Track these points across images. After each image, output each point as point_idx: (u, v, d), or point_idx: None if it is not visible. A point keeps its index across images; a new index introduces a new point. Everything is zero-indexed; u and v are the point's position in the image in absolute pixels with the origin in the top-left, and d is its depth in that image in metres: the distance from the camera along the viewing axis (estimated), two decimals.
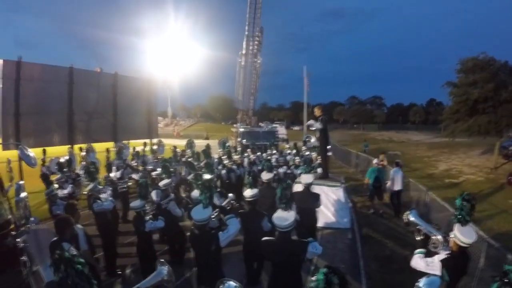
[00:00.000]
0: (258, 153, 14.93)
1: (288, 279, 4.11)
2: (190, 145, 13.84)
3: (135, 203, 6.04)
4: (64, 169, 9.78)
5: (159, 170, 9.09)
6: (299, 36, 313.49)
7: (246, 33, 29.13)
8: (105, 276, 6.43)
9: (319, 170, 10.68)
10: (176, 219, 7.23)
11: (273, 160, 13.97)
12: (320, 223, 8.06)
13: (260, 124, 34.11)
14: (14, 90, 12.95)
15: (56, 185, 8.29)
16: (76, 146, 14.67)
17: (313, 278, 2.29)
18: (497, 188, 16.51)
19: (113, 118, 17.60)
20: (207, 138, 46.53)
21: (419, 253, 3.96)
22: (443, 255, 3.74)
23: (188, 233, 4.83)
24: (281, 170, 13.19)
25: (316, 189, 7.99)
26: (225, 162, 11.76)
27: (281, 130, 39.13)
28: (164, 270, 2.87)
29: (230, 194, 6.77)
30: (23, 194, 4.48)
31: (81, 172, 10.61)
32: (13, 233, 3.68)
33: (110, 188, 7.93)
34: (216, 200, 6.41)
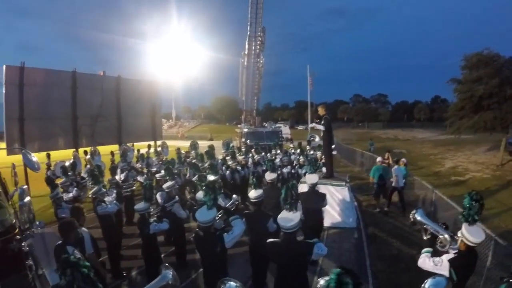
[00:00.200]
0: (262, 154, 14.88)
1: (294, 280, 4.08)
2: (194, 146, 13.83)
3: (140, 206, 6.04)
4: (69, 173, 9.81)
5: (163, 172, 9.07)
6: (302, 36, 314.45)
7: (248, 33, 29.10)
8: (110, 279, 6.43)
9: (324, 169, 10.64)
10: (181, 221, 7.23)
11: (277, 160, 13.95)
12: (325, 223, 8.02)
13: (264, 124, 34.11)
14: (18, 96, 12.99)
15: (61, 189, 8.33)
16: (81, 150, 14.70)
17: (325, 278, 2.26)
18: (504, 185, 16.39)
19: (117, 121, 17.64)
20: (211, 139, 46.53)
21: (426, 252, 3.90)
22: (451, 254, 3.70)
23: (193, 235, 4.80)
24: (285, 170, 13.17)
25: (321, 188, 7.95)
26: (229, 163, 11.73)
27: (285, 130, 39.16)
28: (168, 274, 2.85)
29: (234, 196, 6.76)
30: (27, 199, 4.47)
31: (86, 175, 10.63)
32: (18, 237, 3.67)
33: (115, 191, 7.94)
34: (220, 201, 6.40)
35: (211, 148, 12.23)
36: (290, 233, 4.05)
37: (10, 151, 10.07)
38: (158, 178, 9.76)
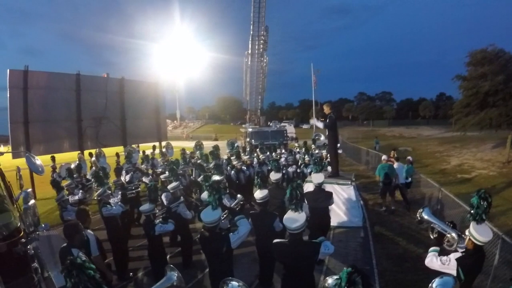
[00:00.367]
0: (267, 153, 14.85)
1: (301, 280, 4.06)
2: (198, 147, 13.83)
3: (145, 207, 6.04)
4: (74, 175, 9.84)
5: (167, 173, 9.08)
6: (305, 34, 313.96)
7: (251, 32, 29.07)
8: (116, 280, 6.44)
9: (329, 168, 10.61)
10: (186, 222, 7.23)
11: (282, 159, 13.92)
12: (332, 222, 7.97)
13: (269, 123, 34.10)
14: (22, 99, 13.05)
15: (66, 191, 8.35)
16: (86, 152, 14.76)
17: (334, 277, 2.24)
18: (510, 183, 16.22)
19: (122, 123, 17.65)
20: (216, 139, 46.59)
21: (433, 251, 3.86)
22: (458, 253, 3.66)
23: (198, 235, 4.79)
24: (290, 170, 13.14)
25: (327, 187, 7.94)
26: (234, 163, 11.72)
27: (290, 129, 39.12)
28: (173, 275, 2.84)
29: (239, 195, 6.75)
30: (31, 202, 4.48)
31: (91, 177, 10.66)
32: (23, 240, 3.68)
33: (120, 193, 7.95)
34: (225, 202, 6.40)
35: (216, 148, 12.24)
36: (296, 234, 4.02)
37: (15, 154, 10.11)
38: (162, 180, 9.76)
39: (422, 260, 4.03)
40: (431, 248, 3.92)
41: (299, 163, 13.86)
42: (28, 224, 4.11)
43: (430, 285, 2.63)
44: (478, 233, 3.54)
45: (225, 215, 5.32)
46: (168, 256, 7.06)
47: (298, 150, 16.71)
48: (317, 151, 15.51)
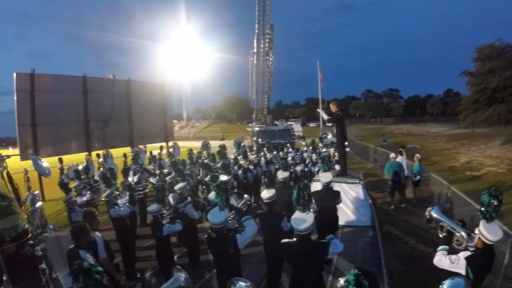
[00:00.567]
0: (274, 152, 14.80)
1: (309, 280, 4.03)
2: (205, 146, 13.84)
3: (152, 207, 6.04)
4: (82, 176, 9.89)
5: (173, 173, 9.09)
6: (310, 32, 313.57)
7: (256, 31, 29.09)
8: (124, 280, 6.45)
9: (337, 167, 10.55)
10: (194, 222, 7.23)
11: (290, 158, 13.88)
12: (340, 221, 7.92)
13: (275, 122, 34.07)
14: (29, 102, 13.19)
15: (74, 192, 8.39)
16: (94, 153, 14.84)
17: (342, 279, 2.22)
18: None
19: (129, 124, 17.76)
20: (222, 139, 46.64)
21: (442, 250, 3.81)
22: (468, 252, 3.60)
23: (205, 236, 4.78)
24: (298, 168, 13.09)
25: (335, 186, 7.90)
26: (241, 162, 11.70)
27: (297, 127, 39.05)
28: (181, 277, 2.82)
29: (246, 195, 6.74)
30: (38, 204, 4.51)
31: (99, 179, 10.70)
32: (31, 242, 3.70)
33: (127, 194, 7.98)
34: (233, 201, 6.38)
35: (223, 148, 12.23)
36: (304, 235, 3.99)
37: (23, 156, 10.22)
38: (168, 180, 9.78)
39: (431, 259, 3.96)
40: (440, 247, 3.86)
41: (307, 162, 13.81)
42: (35, 225, 4.14)
43: (440, 286, 2.59)
44: (488, 232, 3.48)
45: (232, 216, 5.30)
46: (175, 256, 7.07)
47: (305, 148, 16.64)
48: (324, 150, 15.45)
